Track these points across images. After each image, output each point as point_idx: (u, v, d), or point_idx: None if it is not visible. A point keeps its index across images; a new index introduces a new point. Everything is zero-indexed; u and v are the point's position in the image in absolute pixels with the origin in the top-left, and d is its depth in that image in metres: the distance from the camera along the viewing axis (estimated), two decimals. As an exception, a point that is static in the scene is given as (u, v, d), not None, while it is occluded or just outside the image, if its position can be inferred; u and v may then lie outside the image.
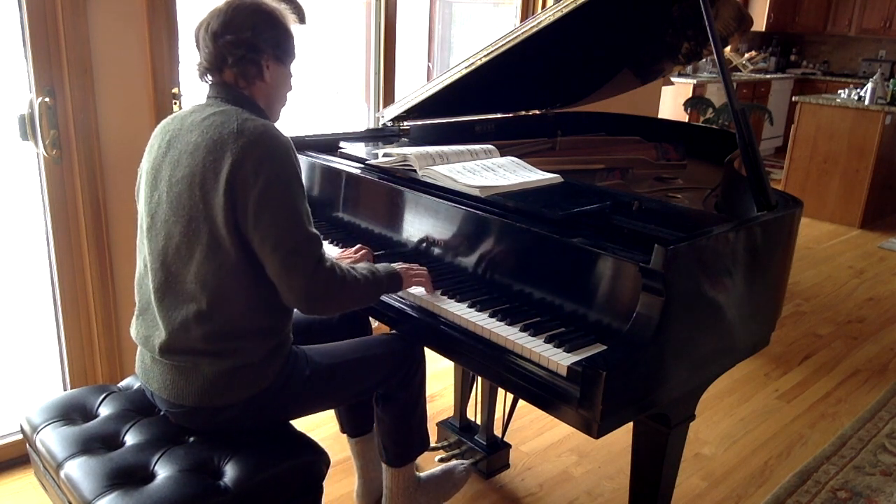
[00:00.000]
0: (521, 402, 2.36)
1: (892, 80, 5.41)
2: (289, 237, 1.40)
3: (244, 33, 1.47)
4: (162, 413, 1.58)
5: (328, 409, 1.78)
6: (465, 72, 2.11)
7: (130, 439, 1.51)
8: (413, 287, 1.67)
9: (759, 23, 7.54)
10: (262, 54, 1.50)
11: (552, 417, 1.41)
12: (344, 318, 1.91)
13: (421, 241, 1.79)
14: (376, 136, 2.34)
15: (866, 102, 5.29)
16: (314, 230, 1.44)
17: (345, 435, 2.10)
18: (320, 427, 2.53)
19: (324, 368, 1.61)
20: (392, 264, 1.65)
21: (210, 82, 1.54)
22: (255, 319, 1.46)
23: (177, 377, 1.47)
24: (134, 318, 1.56)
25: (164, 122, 1.55)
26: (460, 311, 1.56)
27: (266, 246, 1.39)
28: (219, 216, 1.38)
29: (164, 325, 1.46)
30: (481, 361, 1.49)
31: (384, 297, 1.70)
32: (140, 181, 1.56)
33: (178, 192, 1.42)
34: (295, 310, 1.53)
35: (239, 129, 1.40)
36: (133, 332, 1.55)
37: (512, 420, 2.28)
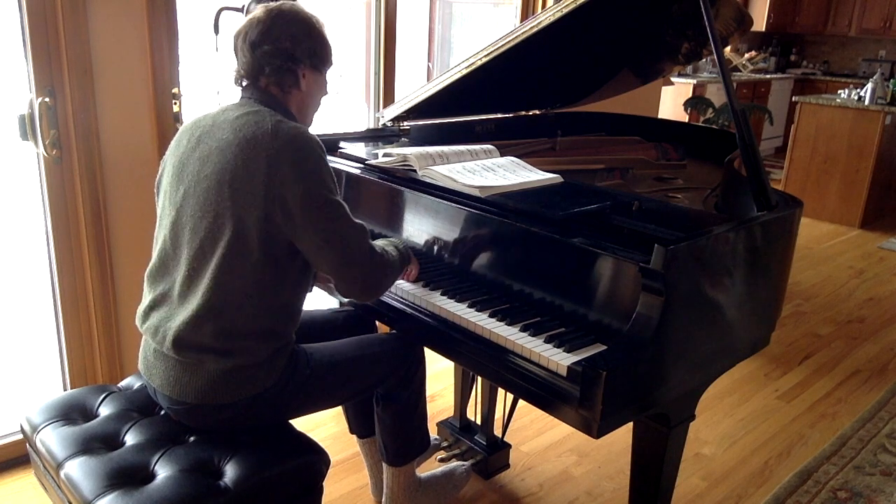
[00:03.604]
0: (521, 402, 2.36)
1: (892, 80, 5.41)
2: (341, 234, 1.44)
3: (282, 44, 1.49)
4: (162, 412, 1.58)
5: (329, 408, 1.78)
6: (465, 72, 2.11)
7: (130, 439, 1.51)
8: (407, 283, 1.70)
9: (759, 23, 7.54)
10: (299, 64, 1.52)
11: (552, 417, 1.42)
12: (348, 317, 1.92)
13: (420, 241, 1.79)
14: (376, 136, 2.34)
15: (866, 102, 5.29)
16: (358, 221, 1.48)
17: (353, 435, 2.11)
18: (320, 427, 2.53)
19: (324, 367, 1.61)
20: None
21: (243, 86, 1.55)
22: (263, 320, 1.47)
23: (180, 374, 1.47)
24: (144, 308, 1.55)
25: (195, 118, 1.57)
26: (460, 311, 1.56)
27: (319, 245, 1.42)
28: (250, 216, 1.39)
29: (177, 317, 1.46)
30: (481, 361, 1.49)
31: (384, 297, 1.72)
32: (162, 174, 1.57)
33: (206, 188, 1.43)
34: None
35: (274, 129, 1.41)
36: (140, 323, 1.55)
37: (512, 420, 2.28)
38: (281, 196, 1.38)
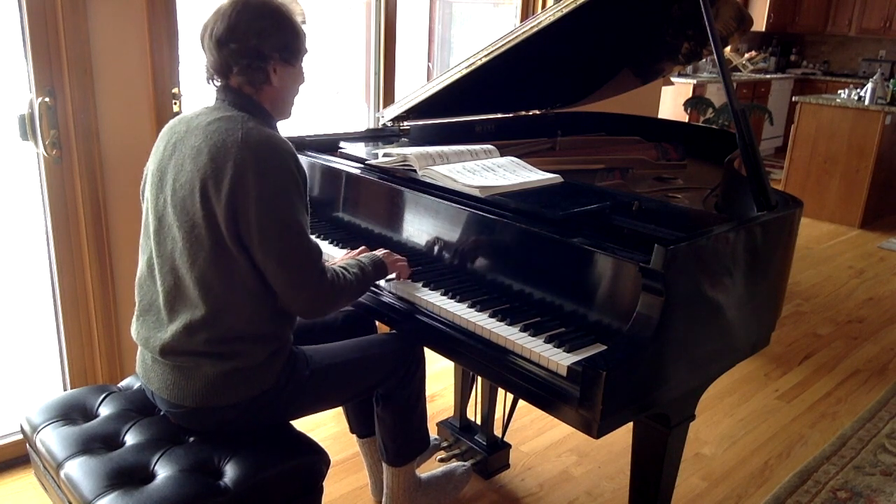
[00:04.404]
0: (521, 402, 2.36)
1: (892, 80, 5.41)
2: (294, 253, 1.41)
3: (249, 41, 1.42)
4: (162, 413, 1.58)
5: (329, 408, 1.78)
6: (465, 72, 2.11)
7: (130, 439, 1.51)
8: (402, 282, 1.69)
9: (759, 23, 7.53)
10: (268, 61, 1.46)
11: (552, 417, 1.42)
12: (347, 317, 1.92)
13: (421, 241, 1.79)
14: (376, 136, 2.34)
15: (866, 102, 5.29)
16: (314, 241, 1.46)
17: (353, 435, 2.10)
18: (320, 427, 2.53)
19: (323, 369, 1.61)
20: (373, 252, 1.67)
21: (217, 86, 1.52)
22: (259, 325, 1.46)
23: (177, 377, 1.47)
24: (134, 318, 1.55)
25: (171, 122, 1.54)
26: (460, 311, 1.56)
27: (271, 260, 1.39)
28: (221, 224, 1.38)
29: (168, 327, 1.46)
30: (481, 361, 1.49)
31: (384, 298, 1.72)
32: (145, 181, 1.56)
33: (182, 197, 1.42)
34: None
35: (244, 137, 1.38)
36: (133, 332, 1.55)
37: (512, 420, 2.27)
38: (243, 206, 1.36)
